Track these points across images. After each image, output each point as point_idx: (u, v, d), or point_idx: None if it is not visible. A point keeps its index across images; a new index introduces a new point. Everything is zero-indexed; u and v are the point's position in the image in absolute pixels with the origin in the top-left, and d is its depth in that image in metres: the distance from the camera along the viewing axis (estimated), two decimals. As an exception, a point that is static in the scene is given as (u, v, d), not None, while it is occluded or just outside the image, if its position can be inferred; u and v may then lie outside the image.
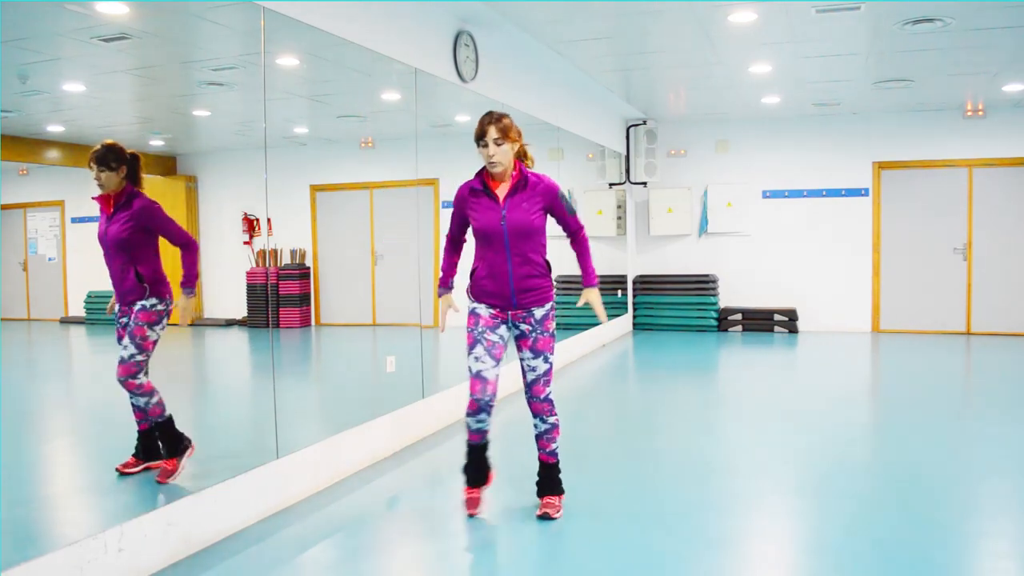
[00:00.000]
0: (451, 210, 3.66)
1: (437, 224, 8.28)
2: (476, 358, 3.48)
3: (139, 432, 3.80)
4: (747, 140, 10.50)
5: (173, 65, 5.35)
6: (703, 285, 10.49)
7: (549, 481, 3.68)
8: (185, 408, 6.17)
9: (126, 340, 3.66)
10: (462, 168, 8.52)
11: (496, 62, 6.26)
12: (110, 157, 3.60)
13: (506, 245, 3.45)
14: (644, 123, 10.55)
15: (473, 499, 3.64)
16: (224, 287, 6.96)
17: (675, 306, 10.61)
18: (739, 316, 10.42)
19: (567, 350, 8.17)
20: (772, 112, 9.90)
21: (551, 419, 3.61)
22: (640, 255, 11.01)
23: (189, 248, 3.76)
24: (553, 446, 3.65)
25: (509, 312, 3.52)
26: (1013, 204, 9.60)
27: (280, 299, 7.37)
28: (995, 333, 9.74)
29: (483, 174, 3.54)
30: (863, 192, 10.12)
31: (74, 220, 6.25)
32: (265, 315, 6.75)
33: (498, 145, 3.40)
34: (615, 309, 10.31)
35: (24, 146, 4.76)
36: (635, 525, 3.51)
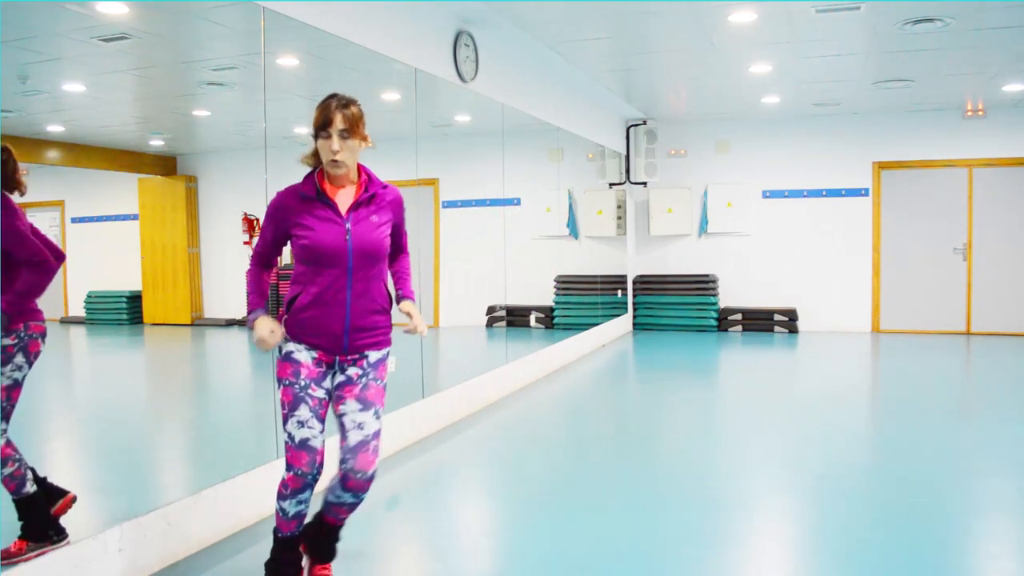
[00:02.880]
0: (268, 220, 2.75)
1: (437, 224, 8.28)
2: (300, 422, 2.65)
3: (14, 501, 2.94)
4: (747, 140, 10.50)
5: (173, 65, 5.36)
6: (703, 285, 10.50)
7: (328, 543, 2.85)
8: (185, 408, 6.18)
9: None
10: (462, 168, 8.54)
11: (496, 62, 6.27)
12: None
13: (349, 270, 2.65)
14: (644, 123, 10.55)
15: None
16: (224, 287, 6.96)
17: (675, 306, 10.60)
18: (739, 316, 10.42)
19: (567, 350, 8.17)
20: (772, 112, 9.90)
21: (363, 495, 2.74)
22: (640, 255, 11.01)
23: (43, 269, 2.82)
24: (350, 515, 2.81)
25: (336, 356, 2.71)
26: (1013, 204, 9.61)
27: (280, 299, 7.37)
28: (995, 333, 9.74)
29: (317, 176, 2.69)
30: (863, 192, 10.13)
31: (74, 220, 6.26)
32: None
33: (344, 139, 2.60)
34: (615, 309, 10.32)
35: (24, 146, 4.75)
36: (634, 525, 3.51)
